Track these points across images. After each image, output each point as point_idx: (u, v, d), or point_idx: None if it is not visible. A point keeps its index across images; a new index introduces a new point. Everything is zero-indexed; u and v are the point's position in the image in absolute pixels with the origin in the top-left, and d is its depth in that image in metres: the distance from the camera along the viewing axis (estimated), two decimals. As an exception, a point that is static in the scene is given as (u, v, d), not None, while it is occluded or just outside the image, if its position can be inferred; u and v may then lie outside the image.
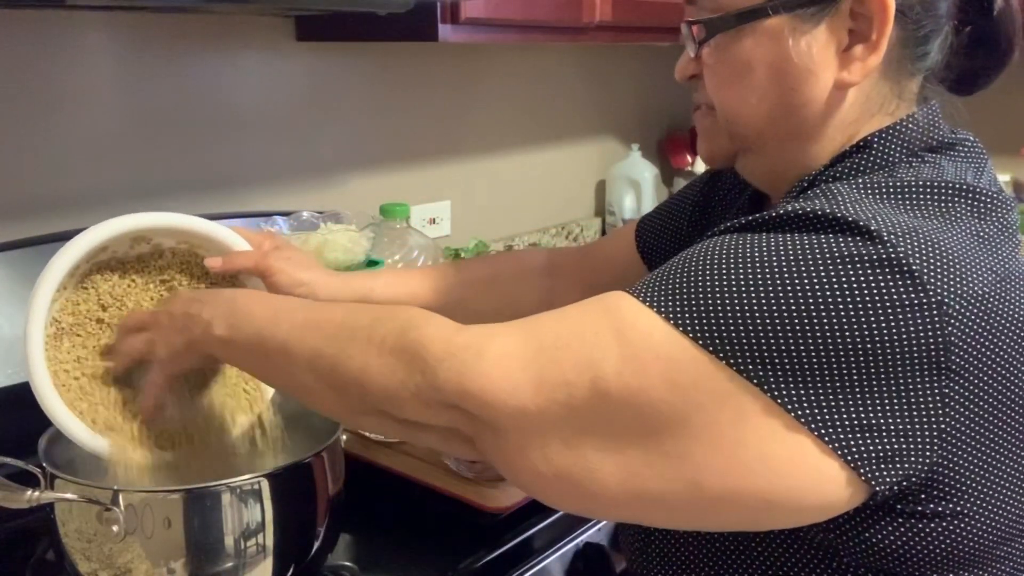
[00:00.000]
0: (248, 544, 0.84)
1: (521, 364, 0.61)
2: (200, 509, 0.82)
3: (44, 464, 0.84)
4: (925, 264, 0.58)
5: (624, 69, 2.29)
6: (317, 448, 0.89)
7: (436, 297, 1.06)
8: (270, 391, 0.95)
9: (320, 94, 1.62)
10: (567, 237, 2.21)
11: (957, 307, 0.57)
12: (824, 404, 0.57)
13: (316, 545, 0.91)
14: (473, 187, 1.95)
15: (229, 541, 0.83)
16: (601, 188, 2.31)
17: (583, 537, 1.09)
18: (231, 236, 0.96)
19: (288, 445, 0.96)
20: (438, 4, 1.33)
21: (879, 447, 0.57)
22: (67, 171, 1.31)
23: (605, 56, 2.22)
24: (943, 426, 0.58)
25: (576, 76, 2.16)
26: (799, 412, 0.57)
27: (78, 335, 0.89)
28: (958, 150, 0.70)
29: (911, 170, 0.67)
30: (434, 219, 1.86)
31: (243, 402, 0.94)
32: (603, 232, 2.31)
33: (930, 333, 0.57)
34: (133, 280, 0.93)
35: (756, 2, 0.69)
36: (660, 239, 1.02)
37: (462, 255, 1.70)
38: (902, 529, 0.60)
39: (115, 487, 0.81)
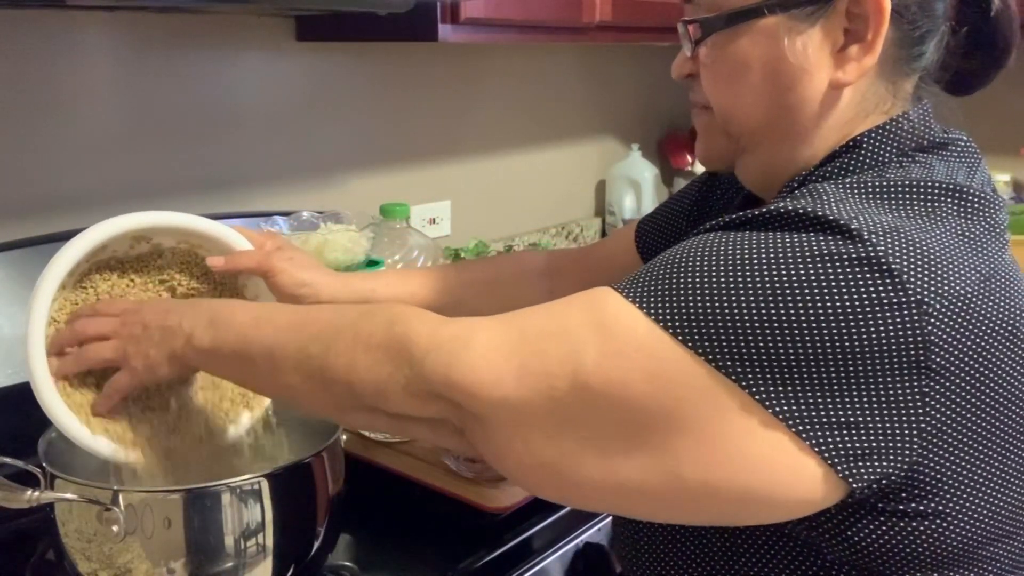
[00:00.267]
0: (248, 544, 0.84)
1: (505, 355, 0.62)
2: (200, 509, 0.82)
3: (44, 464, 0.84)
4: (906, 263, 0.58)
5: (624, 69, 2.29)
6: (317, 448, 0.89)
7: (436, 297, 1.06)
8: (269, 391, 0.95)
9: (320, 94, 1.62)
10: (567, 237, 2.21)
11: (938, 306, 0.57)
12: (801, 401, 0.57)
13: (316, 545, 0.91)
14: (473, 187, 1.95)
15: (229, 541, 0.83)
16: (601, 188, 2.31)
17: (583, 537, 1.09)
18: (233, 236, 0.96)
19: (288, 445, 0.96)
20: (438, 4, 1.33)
21: (856, 445, 0.57)
22: (67, 171, 1.31)
23: (605, 56, 2.22)
24: (923, 425, 0.58)
25: (576, 76, 2.16)
26: (776, 409, 0.57)
27: (77, 335, 0.89)
28: (950, 150, 0.70)
29: (900, 170, 0.67)
30: (434, 219, 1.86)
31: (242, 402, 0.94)
32: (603, 232, 2.31)
33: (909, 332, 0.57)
34: (132, 280, 0.93)
35: (752, 2, 0.69)
36: (659, 239, 1.02)
37: (462, 255, 1.70)
38: (884, 528, 0.60)
39: (115, 487, 0.81)
